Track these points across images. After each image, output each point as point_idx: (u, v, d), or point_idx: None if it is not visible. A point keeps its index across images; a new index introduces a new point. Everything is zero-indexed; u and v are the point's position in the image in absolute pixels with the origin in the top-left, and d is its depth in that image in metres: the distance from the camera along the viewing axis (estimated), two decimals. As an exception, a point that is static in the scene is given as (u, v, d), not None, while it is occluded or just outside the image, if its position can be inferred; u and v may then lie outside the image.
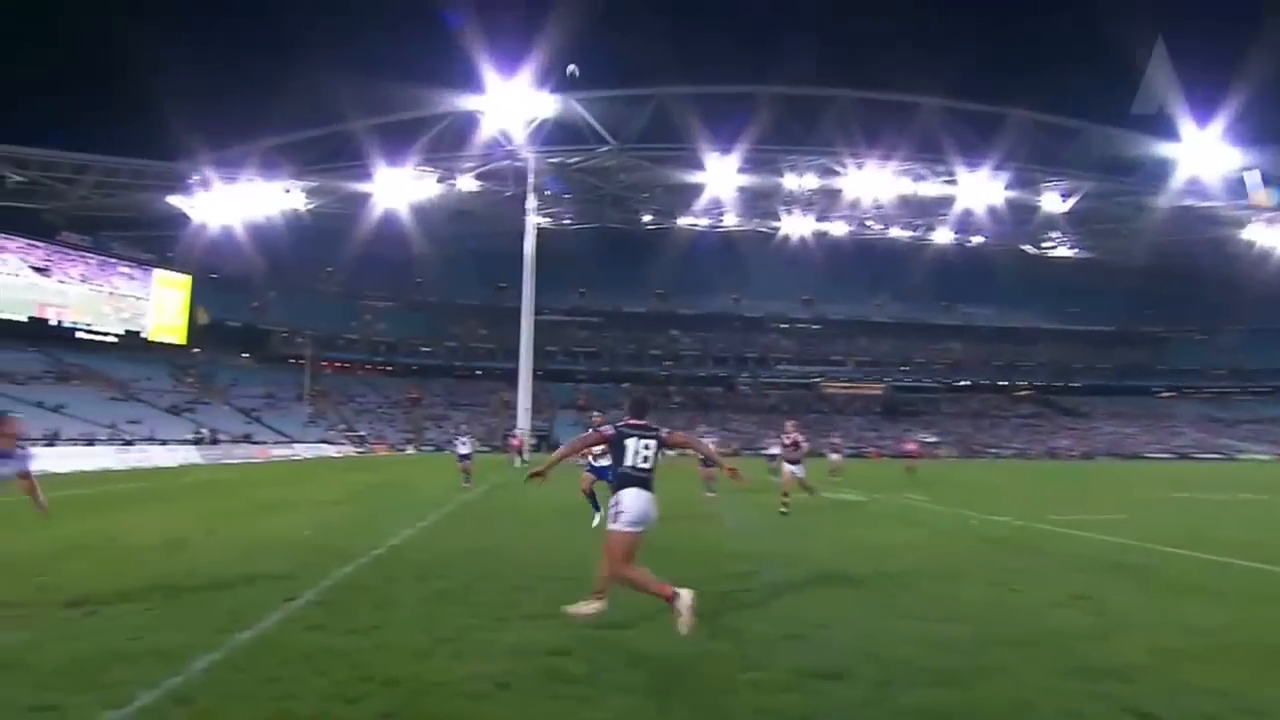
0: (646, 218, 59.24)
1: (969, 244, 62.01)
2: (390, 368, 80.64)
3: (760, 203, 54.42)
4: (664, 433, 4.98)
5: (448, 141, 43.18)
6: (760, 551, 7.74)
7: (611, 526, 4.79)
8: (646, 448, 4.85)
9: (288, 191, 49.80)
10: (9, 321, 51.58)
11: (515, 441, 31.54)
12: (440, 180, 48.62)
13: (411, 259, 67.73)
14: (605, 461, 8.36)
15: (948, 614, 5.12)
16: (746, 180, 48.16)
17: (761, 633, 4.62)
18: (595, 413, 16.96)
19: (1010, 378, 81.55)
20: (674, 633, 4.44)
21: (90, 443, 35.87)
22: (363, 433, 61.56)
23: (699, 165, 45.92)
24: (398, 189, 48.44)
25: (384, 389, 75.65)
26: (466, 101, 39.05)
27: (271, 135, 44.71)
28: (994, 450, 63.78)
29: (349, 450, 53.41)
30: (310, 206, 52.93)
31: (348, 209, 53.94)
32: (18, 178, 41.58)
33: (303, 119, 45.63)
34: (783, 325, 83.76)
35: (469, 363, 79.36)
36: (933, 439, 59.91)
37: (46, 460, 22.12)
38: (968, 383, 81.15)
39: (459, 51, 38.04)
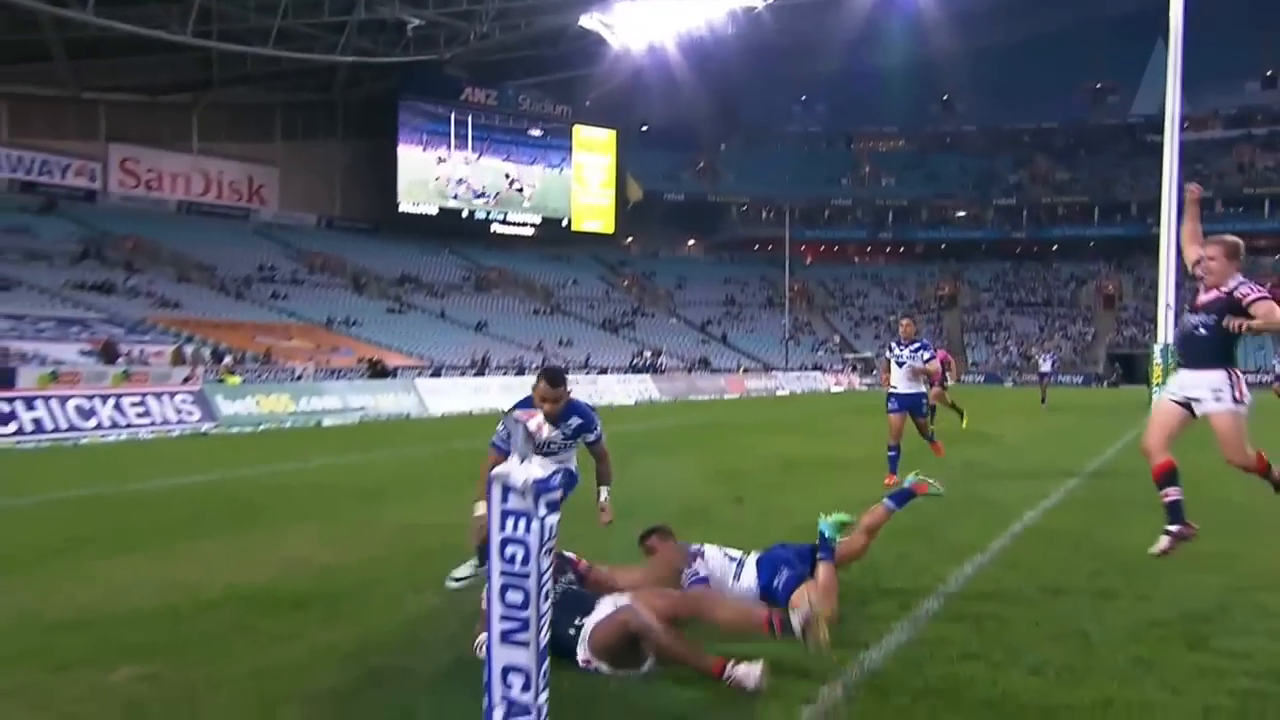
0: None
1: None
2: (901, 249, 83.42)
3: None
4: None
5: None
6: None
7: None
8: None
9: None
10: (417, 215, 66.05)
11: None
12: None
13: (931, 65, 68.46)
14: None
15: None
16: None
17: None
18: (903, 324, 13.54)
19: None
20: None
21: (521, 371, 44.38)
22: (867, 352, 65.25)
23: None
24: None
25: (896, 282, 78.75)
26: None
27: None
28: None
29: (853, 381, 56.83)
30: (771, -1, 56.46)
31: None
32: (416, 21, 52.13)
33: None
34: None
35: (1038, 232, 78.29)
36: None
37: (489, 396, 28.37)
38: None
39: None
